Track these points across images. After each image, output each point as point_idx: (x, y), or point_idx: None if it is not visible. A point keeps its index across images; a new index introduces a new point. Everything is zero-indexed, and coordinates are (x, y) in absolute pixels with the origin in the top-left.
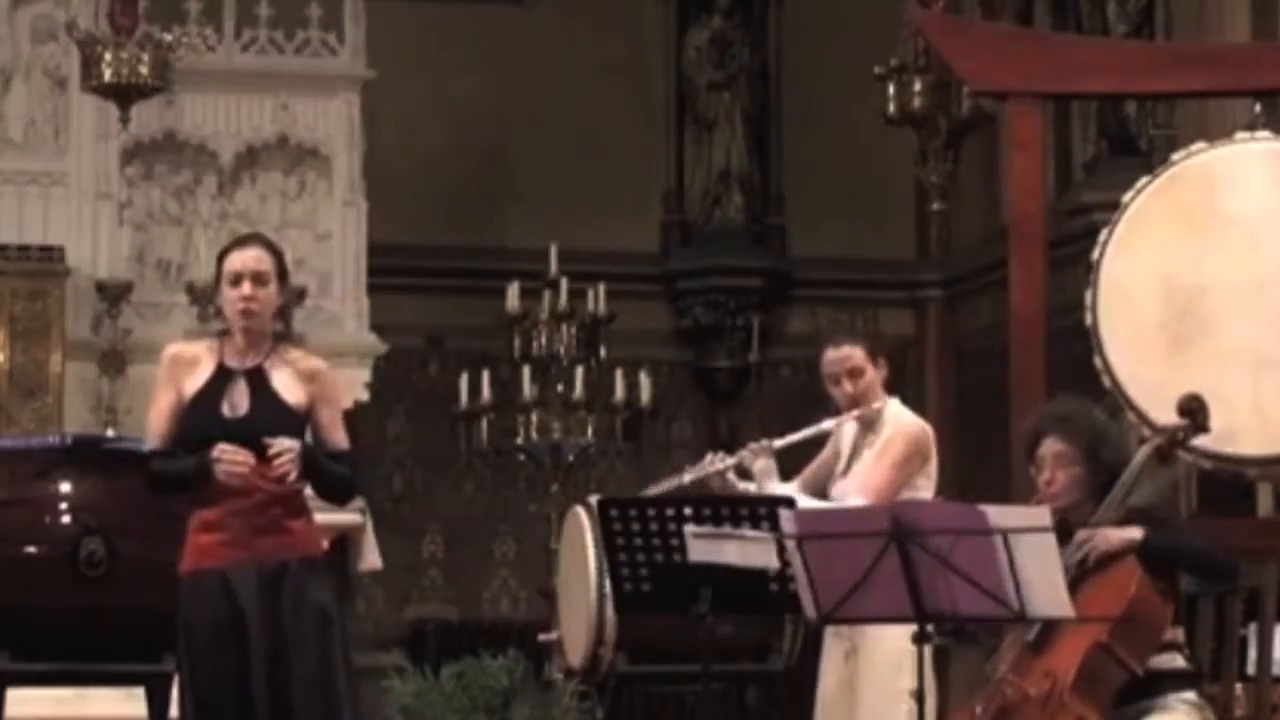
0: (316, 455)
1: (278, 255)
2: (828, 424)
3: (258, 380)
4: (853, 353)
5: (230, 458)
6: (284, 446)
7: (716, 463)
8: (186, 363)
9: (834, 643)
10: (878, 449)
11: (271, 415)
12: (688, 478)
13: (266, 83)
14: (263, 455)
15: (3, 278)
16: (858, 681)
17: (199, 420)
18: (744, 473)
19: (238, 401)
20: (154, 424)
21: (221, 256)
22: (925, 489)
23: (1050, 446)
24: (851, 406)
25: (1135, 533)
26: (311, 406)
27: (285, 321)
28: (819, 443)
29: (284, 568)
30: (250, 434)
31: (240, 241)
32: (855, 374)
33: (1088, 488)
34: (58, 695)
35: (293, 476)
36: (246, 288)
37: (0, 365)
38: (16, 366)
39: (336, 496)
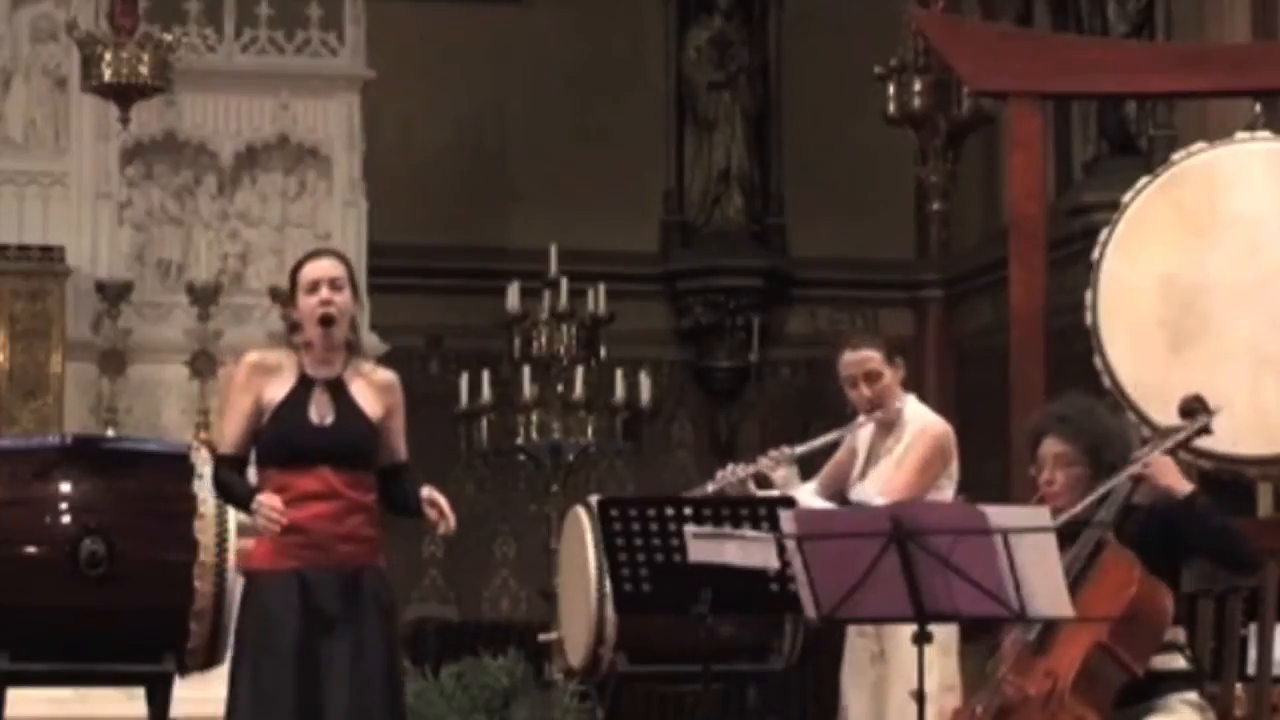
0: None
1: (349, 265)
2: (849, 429)
3: (339, 390)
4: (871, 356)
5: (267, 513)
6: (442, 502)
7: (738, 471)
8: (269, 370)
9: (860, 643)
10: (900, 452)
11: (355, 425)
12: (710, 488)
13: (266, 83)
14: (347, 463)
15: (3, 278)
16: (887, 684)
17: (289, 427)
18: (762, 481)
19: (324, 410)
20: (230, 429)
21: (295, 271)
22: (947, 489)
23: (1050, 446)
24: (869, 409)
25: (1187, 485)
26: (384, 417)
27: (355, 333)
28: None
29: (360, 574)
30: (337, 442)
31: (312, 254)
32: (872, 377)
33: (1089, 488)
34: (58, 695)
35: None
36: (325, 292)
37: (0, 365)
38: (16, 366)
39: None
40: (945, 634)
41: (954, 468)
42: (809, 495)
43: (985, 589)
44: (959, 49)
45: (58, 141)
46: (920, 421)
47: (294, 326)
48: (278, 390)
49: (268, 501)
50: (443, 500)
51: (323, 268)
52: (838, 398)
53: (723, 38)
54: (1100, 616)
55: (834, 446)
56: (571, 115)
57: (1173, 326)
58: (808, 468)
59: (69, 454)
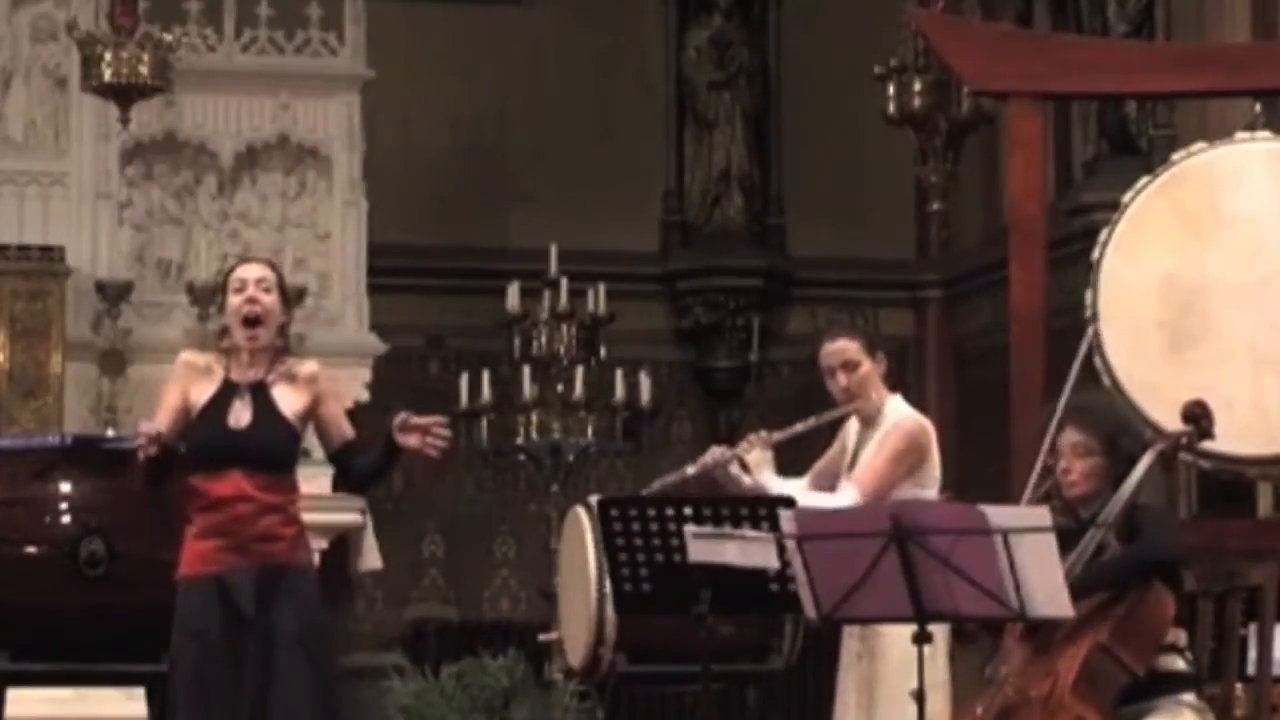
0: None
1: (279, 274)
2: (826, 416)
3: (260, 394)
4: (848, 345)
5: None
6: (416, 420)
7: (716, 455)
8: (198, 370)
9: (849, 644)
10: (874, 444)
11: (269, 429)
12: (691, 471)
13: (266, 83)
14: (261, 466)
15: (3, 278)
16: (874, 683)
17: (206, 431)
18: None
19: (241, 415)
20: (158, 419)
21: (226, 276)
22: (930, 487)
23: (1069, 436)
24: (847, 400)
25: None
26: (314, 407)
27: (285, 340)
28: (825, 437)
29: (279, 573)
30: (251, 446)
31: (243, 260)
32: (850, 367)
33: (1106, 477)
34: (58, 695)
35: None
36: (251, 290)
37: (0, 365)
38: (16, 366)
39: (367, 486)
40: (935, 632)
41: (932, 465)
42: (778, 483)
43: (985, 589)
44: (959, 49)
45: (58, 141)
46: (896, 415)
47: (222, 331)
48: (203, 392)
49: (141, 427)
50: (417, 418)
51: (250, 269)
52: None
53: (723, 38)
54: (1100, 617)
55: (818, 434)
56: (571, 115)
57: (1173, 326)
58: (794, 462)
59: (69, 454)
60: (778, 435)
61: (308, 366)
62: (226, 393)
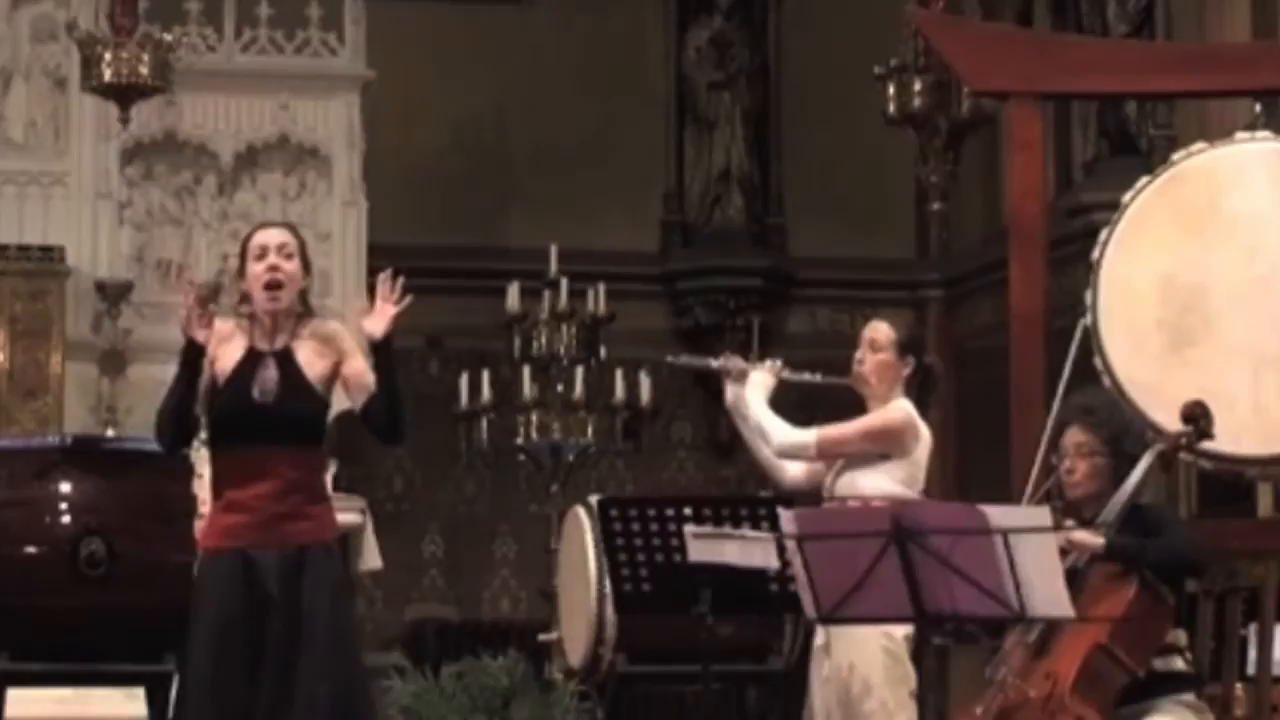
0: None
1: (299, 237)
2: (833, 380)
3: (286, 361)
4: (880, 327)
5: (184, 308)
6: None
7: (736, 364)
8: (223, 337)
9: (818, 633)
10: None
11: (297, 397)
12: (714, 364)
13: (266, 83)
14: (288, 441)
15: (3, 278)
16: (832, 677)
17: (231, 402)
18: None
19: (267, 385)
20: None
21: (245, 241)
22: (910, 487)
23: (1073, 436)
24: (858, 379)
25: (1098, 540)
26: (339, 365)
27: (306, 305)
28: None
29: (304, 551)
30: (277, 416)
31: (263, 225)
32: (874, 347)
33: (1109, 477)
34: (58, 695)
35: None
36: (272, 258)
37: (0, 365)
38: (16, 366)
39: (395, 420)
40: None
41: (912, 464)
42: (759, 407)
43: (985, 589)
44: (959, 49)
45: (58, 141)
46: (891, 403)
47: (242, 298)
48: (227, 360)
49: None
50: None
51: (271, 235)
52: (839, 397)
53: (723, 38)
54: (1100, 617)
55: (823, 391)
56: (571, 115)
57: (1173, 326)
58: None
59: (69, 454)
60: (787, 373)
61: (325, 327)
62: (251, 361)
